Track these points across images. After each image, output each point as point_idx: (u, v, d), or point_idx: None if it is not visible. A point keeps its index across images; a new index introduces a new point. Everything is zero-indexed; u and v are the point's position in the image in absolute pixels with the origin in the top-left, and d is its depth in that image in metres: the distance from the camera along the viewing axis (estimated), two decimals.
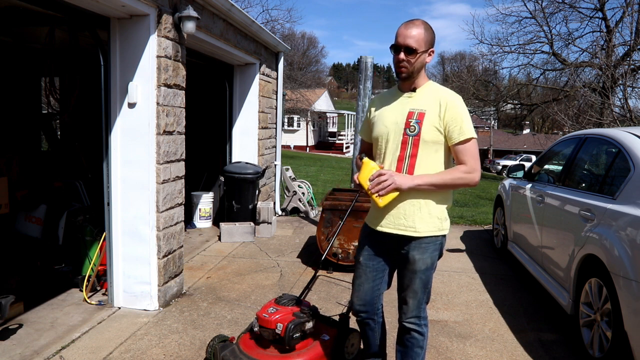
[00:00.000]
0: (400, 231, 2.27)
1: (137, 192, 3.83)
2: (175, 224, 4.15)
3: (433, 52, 2.23)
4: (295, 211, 8.31)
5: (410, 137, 2.21)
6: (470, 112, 26.94)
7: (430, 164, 2.23)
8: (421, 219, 2.24)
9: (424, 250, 2.26)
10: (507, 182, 5.85)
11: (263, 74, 7.09)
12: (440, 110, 2.19)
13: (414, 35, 2.15)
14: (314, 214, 8.27)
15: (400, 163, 2.24)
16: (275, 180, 8.00)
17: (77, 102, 4.97)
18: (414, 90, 2.28)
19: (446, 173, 2.20)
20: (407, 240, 2.28)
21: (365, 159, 2.26)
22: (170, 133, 3.98)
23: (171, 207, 4.05)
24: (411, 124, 2.21)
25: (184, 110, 4.20)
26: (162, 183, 3.87)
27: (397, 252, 2.35)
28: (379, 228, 2.34)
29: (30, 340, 3.27)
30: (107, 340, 3.32)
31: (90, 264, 4.21)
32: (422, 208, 2.24)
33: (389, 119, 2.29)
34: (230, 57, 6.34)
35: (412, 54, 2.16)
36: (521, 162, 9.76)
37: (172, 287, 4.13)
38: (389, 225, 2.29)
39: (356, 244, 4.84)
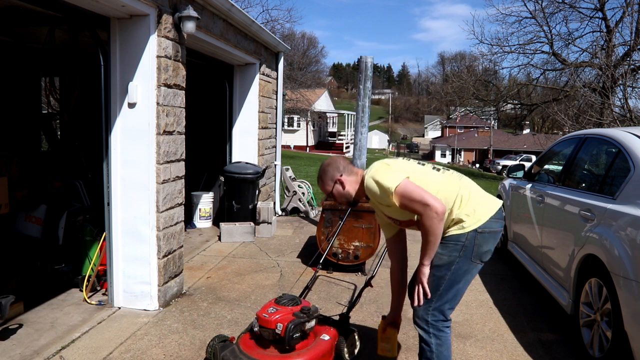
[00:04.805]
0: None
1: (137, 192, 3.83)
2: (175, 224, 4.15)
3: (339, 180, 2.48)
4: (295, 211, 8.31)
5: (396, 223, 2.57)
6: (470, 112, 26.96)
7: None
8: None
9: (444, 246, 2.34)
10: (507, 182, 5.84)
11: (263, 74, 7.09)
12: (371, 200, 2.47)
13: (321, 186, 2.58)
14: (314, 214, 8.27)
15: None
16: (275, 180, 8.00)
17: (77, 102, 4.98)
18: (368, 199, 2.53)
19: (423, 237, 2.30)
20: None
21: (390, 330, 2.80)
22: (170, 133, 3.98)
23: (171, 207, 4.05)
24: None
25: (184, 110, 4.21)
26: (162, 183, 3.87)
27: None
28: None
29: (30, 340, 3.28)
30: (107, 340, 3.33)
31: (90, 264, 4.21)
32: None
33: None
34: (230, 57, 6.34)
35: (331, 196, 2.59)
36: (521, 162, 9.75)
37: (172, 287, 4.13)
38: None
39: (356, 243, 4.85)
